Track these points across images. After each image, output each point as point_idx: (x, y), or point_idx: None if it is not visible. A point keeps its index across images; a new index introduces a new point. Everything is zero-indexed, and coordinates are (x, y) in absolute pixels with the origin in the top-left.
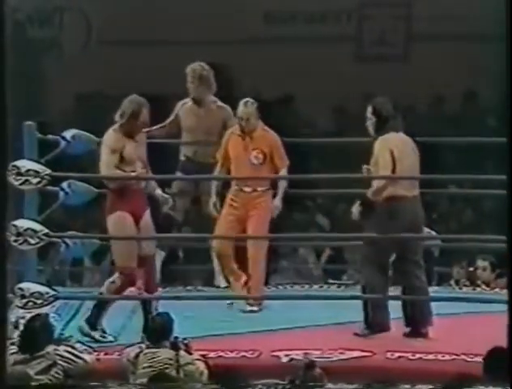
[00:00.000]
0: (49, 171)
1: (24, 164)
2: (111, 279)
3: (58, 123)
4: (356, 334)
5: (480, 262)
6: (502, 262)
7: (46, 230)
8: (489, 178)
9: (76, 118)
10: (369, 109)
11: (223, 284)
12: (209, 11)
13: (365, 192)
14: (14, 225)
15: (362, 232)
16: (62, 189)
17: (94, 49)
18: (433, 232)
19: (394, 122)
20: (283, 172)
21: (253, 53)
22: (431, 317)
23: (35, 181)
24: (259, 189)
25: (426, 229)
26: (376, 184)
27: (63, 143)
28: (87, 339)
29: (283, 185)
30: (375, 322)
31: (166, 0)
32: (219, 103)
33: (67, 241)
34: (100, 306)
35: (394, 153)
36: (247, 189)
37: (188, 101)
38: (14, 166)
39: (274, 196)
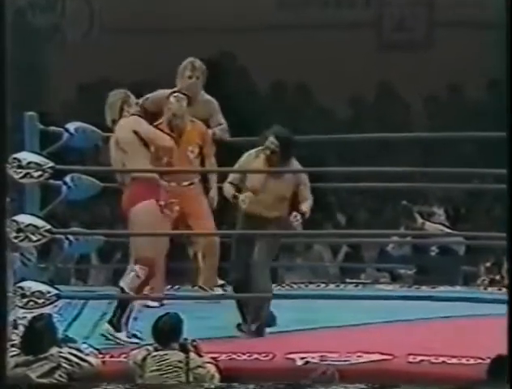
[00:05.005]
0: (51, 164)
1: (25, 156)
2: (133, 273)
3: (61, 114)
4: (242, 332)
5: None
6: None
7: (48, 226)
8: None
9: (79, 108)
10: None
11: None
12: None
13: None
14: (15, 221)
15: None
16: (65, 183)
17: (97, 37)
18: (447, 230)
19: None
20: (213, 160)
21: (265, 40)
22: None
23: (36, 174)
24: (196, 180)
25: (439, 227)
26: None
27: (66, 135)
28: (112, 342)
29: (214, 176)
30: (263, 323)
31: None
32: (206, 96)
33: (70, 237)
34: (123, 305)
35: None
36: (185, 183)
37: (176, 99)
38: (15, 159)
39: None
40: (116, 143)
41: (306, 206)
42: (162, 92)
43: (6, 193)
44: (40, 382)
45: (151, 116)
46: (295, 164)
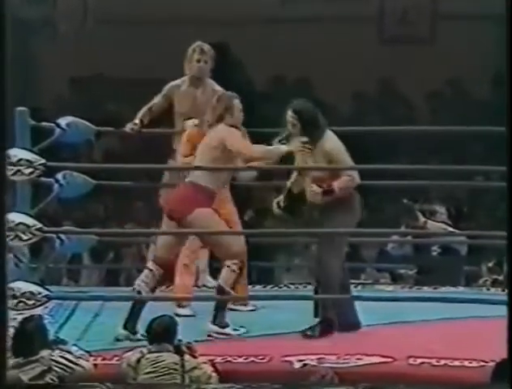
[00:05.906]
0: (42, 161)
1: (16, 153)
2: (228, 269)
3: (53, 109)
4: (305, 335)
5: None
6: None
7: (39, 225)
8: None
9: (72, 103)
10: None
11: (210, 283)
12: None
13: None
14: None
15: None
16: (57, 180)
17: (91, 29)
18: (450, 229)
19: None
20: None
21: (267, 34)
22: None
23: (27, 171)
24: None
25: (442, 226)
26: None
27: (58, 130)
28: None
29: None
30: (328, 322)
31: None
32: (216, 86)
33: (62, 236)
34: (137, 306)
35: None
36: (226, 186)
37: (182, 83)
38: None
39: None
40: (207, 147)
41: (336, 182)
42: (171, 84)
43: (5, 192)
44: (33, 383)
45: (164, 110)
46: (330, 138)
